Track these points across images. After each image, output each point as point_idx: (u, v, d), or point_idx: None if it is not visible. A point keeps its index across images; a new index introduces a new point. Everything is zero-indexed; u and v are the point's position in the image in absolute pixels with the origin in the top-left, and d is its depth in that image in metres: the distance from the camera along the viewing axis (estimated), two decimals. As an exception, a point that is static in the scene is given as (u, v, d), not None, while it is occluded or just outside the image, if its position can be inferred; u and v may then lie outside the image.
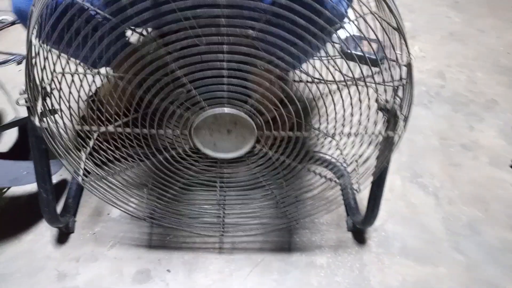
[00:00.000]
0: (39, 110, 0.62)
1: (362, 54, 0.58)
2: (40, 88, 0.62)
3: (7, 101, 1.21)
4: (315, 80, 0.65)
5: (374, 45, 1.14)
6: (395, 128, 0.64)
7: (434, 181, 1.10)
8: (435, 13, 1.66)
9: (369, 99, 0.65)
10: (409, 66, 0.57)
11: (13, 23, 1.46)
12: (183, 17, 0.50)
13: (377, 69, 0.61)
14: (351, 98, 0.62)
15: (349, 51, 0.60)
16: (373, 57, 0.58)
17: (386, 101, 0.66)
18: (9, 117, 1.19)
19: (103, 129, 0.65)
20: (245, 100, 0.59)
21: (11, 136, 1.10)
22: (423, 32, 1.55)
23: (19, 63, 1.32)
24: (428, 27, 1.59)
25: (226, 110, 0.59)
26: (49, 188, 0.77)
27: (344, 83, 0.61)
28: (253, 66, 0.56)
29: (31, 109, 0.64)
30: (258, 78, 0.57)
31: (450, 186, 1.09)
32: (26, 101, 0.64)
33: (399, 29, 0.55)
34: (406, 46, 0.56)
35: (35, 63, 0.57)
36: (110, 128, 0.65)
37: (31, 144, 0.71)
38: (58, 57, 0.56)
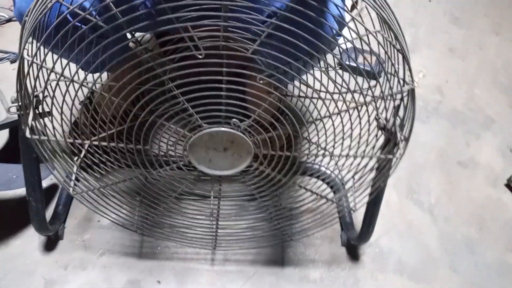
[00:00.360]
0: (30, 120, 0.60)
1: (359, 66, 0.57)
2: (32, 98, 0.60)
3: None
4: (314, 94, 0.63)
5: (375, 61, 1.13)
6: (394, 150, 0.63)
7: (431, 198, 1.09)
8: (435, 28, 1.66)
9: (368, 117, 0.64)
10: (412, 91, 0.56)
11: (8, 21, 1.44)
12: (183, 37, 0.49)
13: (375, 84, 0.60)
14: (350, 114, 0.61)
15: (347, 64, 0.59)
16: (371, 70, 0.58)
17: (386, 120, 0.65)
18: (0, 117, 1.17)
19: (95, 142, 0.63)
20: (243, 119, 0.58)
21: (2, 136, 1.08)
22: (423, 47, 1.54)
23: (12, 61, 1.30)
24: (427, 42, 1.58)
25: (223, 129, 0.58)
26: (39, 197, 0.75)
27: (341, 96, 0.59)
28: (251, 87, 0.54)
29: (22, 119, 0.62)
30: (256, 98, 0.56)
31: (446, 203, 1.08)
32: (17, 110, 0.63)
33: (404, 55, 0.53)
34: (410, 71, 0.55)
35: (27, 73, 0.55)
36: (103, 142, 0.63)
37: (22, 152, 0.69)
38: (52, 69, 0.54)
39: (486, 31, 1.67)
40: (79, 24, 0.52)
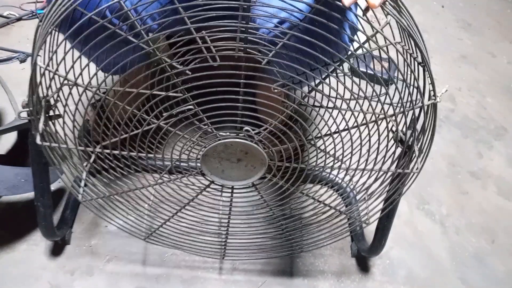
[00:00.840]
0: (41, 126, 0.59)
1: (376, 73, 0.55)
2: (43, 103, 0.59)
3: (8, 100, 1.18)
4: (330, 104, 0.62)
5: (390, 68, 1.11)
6: (411, 165, 0.61)
7: (442, 209, 1.07)
8: (447, 35, 1.64)
9: (387, 129, 0.62)
10: (434, 106, 0.54)
11: (19, 19, 1.43)
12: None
13: (393, 93, 0.59)
14: (368, 128, 0.60)
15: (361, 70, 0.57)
16: (386, 77, 0.57)
17: (404, 133, 0.63)
18: (9, 117, 1.16)
19: (107, 150, 0.62)
20: (256, 129, 0.57)
21: (10, 137, 1.07)
22: (435, 53, 1.52)
23: (22, 61, 1.29)
24: (439, 48, 1.56)
25: (239, 140, 0.57)
26: (47, 202, 0.74)
27: (358, 105, 0.58)
28: (265, 96, 0.53)
29: (32, 124, 0.61)
30: (271, 108, 0.55)
31: (458, 214, 1.07)
32: (28, 115, 0.62)
33: (425, 69, 0.52)
34: (433, 85, 0.53)
35: (39, 82, 0.54)
36: (115, 151, 0.62)
37: (31, 158, 0.68)
38: (65, 77, 0.53)
39: (498, 38, 1.65)
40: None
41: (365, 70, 1.01)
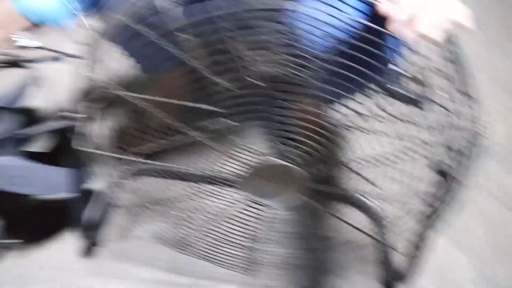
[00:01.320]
0: (79, 131, 0.61)
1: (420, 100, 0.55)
2: (84, 108, 0.60)
3: (46, 99, 1.20)
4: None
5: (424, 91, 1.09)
6: (449, 197, 0.60)
7: (469, 238, 1.04)
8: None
9: (427, 160, 0.62)
10: (476, 135, 0.54)
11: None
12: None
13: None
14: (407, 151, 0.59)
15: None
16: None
17: (443, 163, 0.62)
18: (47, 116, 1.19)
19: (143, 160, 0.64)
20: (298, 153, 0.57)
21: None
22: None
23: (56, 60, 1.32)
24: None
25: (278, 159, 0.57)
26: (81, 204, 0.76)
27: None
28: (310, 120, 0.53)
29: (71, 128, 0.63)
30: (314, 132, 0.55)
31: (485, 243, 1.04)
32: (68, 119, 0.63)
33: (468, 95, 0.52)
34: (476, 115, 0.53)
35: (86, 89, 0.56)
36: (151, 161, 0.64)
37: (68, 159, 0.70)
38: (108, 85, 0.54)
39: (501, 38, 1.62)
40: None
41: (409, 95, 1.00)
